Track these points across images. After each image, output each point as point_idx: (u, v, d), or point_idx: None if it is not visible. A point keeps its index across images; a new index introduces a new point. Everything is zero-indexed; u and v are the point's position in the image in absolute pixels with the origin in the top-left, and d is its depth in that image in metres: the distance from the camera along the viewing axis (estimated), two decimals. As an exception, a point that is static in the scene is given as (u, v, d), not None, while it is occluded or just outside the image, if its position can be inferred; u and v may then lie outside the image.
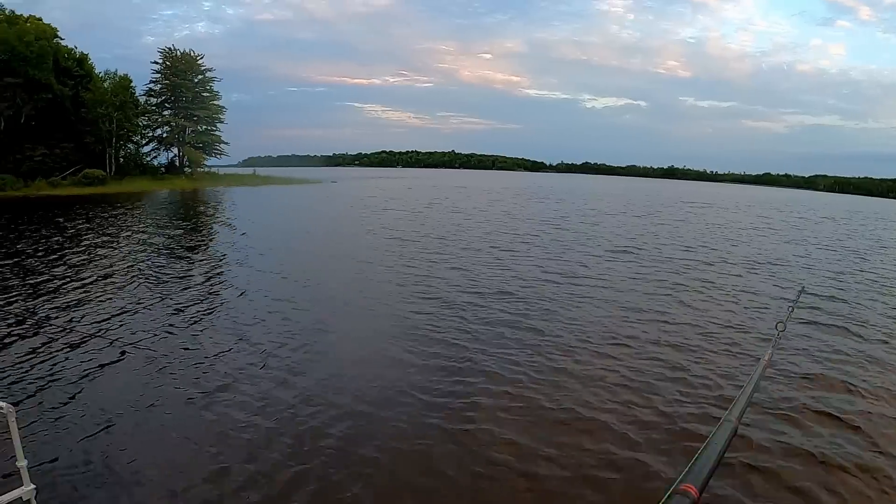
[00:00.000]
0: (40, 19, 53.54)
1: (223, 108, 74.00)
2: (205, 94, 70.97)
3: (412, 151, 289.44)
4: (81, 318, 11.92)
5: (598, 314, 13.00)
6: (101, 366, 9.05)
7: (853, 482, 6.02)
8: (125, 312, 12.31)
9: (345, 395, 8.17)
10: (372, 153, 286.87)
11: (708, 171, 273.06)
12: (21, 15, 52.02)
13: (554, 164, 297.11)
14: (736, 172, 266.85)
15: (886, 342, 11.41)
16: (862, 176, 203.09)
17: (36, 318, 11.88)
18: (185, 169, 69.48)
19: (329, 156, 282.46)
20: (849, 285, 17.60)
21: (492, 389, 8.43)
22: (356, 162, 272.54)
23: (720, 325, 12.31)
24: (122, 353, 9.67)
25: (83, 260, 18.13)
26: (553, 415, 7.63)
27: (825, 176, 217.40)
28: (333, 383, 8.65)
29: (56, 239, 21.81)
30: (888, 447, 6.74)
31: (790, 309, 3.38)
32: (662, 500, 1.10)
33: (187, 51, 69.63)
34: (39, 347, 9.80)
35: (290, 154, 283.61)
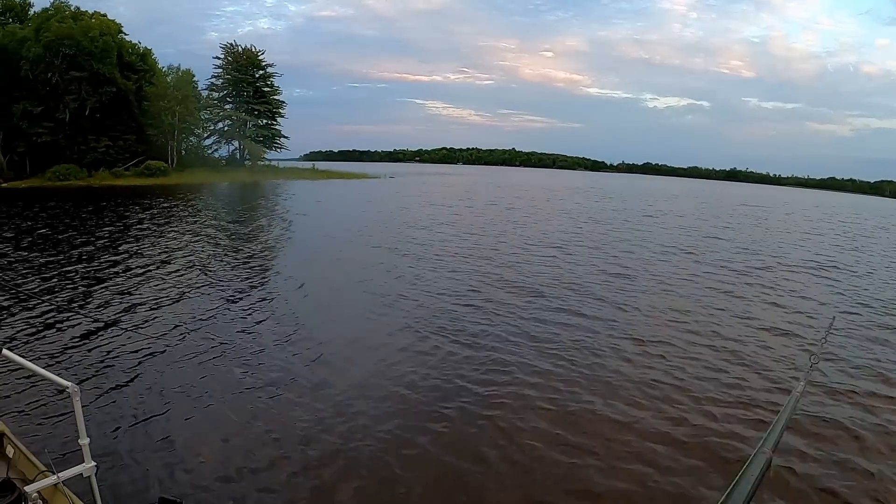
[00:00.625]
0: (105, 15, 54.67)
1: (283, 102, 74.39)
2: (265, 89, 71.44)
3: (472, 149, 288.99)
4: (143, 303, 11.99)
5: (659, 311, 12.87)
6: (163, 350, 9.17)
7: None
8: (185, 298, 12.49)
9: (395, 384, 8.25)
10: (432, 150, 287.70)
11: (771, 174, 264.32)
12: (86, 11, 53.16)
13: (615, 164, 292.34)
14: (799, 176, 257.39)
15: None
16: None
17: (100, 302, 11.99)
18: (246, 162, 70.10)
19: (390, 151, 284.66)
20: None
21: (536, 383, 8.42)
22: (416, 158, 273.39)
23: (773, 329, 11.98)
24: (183, 337, 9.83)
25: (146, 246, 18.57)
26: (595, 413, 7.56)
27: (891, 182, 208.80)
28: (384, 372, 8.69)
29: (118, 227, 22.36)
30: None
31: (822, 342, 3.35)
32: None
33: (249, 46, 70.36)
34: (104, 330, 9.93)
35: (350, 149, 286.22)
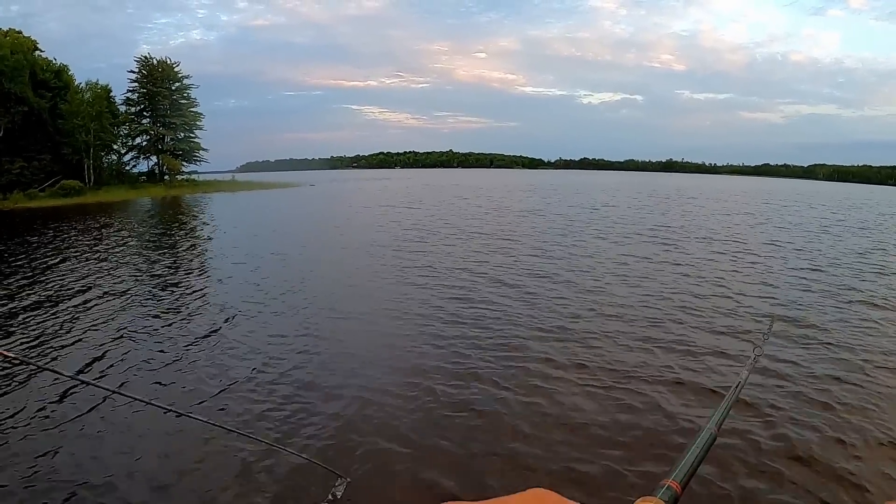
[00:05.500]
0: (20, 32, 54.51)
1: (201, 114, 74.52)
2: (182, 102, 71.39)
3: (410, 152, 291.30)
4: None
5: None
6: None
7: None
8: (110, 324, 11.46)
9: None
10: (370, 155, 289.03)
11: (706, 164, 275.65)
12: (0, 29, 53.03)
13: (552, 161, 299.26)
14: (735, 164, 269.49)
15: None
16: (861, 164, 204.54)
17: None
18: (165, 177, 70.00)
19: (327, 159, 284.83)
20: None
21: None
22: (354, 164, 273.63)
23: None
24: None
25: (45, 276, 16.48)
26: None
27: (824, 165, 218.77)
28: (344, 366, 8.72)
29: (23, 252, 20.82)
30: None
31: (764, 337, 3.02)
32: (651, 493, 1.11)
33: (164, 59, 70.27)
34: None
35: (288, 158, 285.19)
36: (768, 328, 3.36)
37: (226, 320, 11.43)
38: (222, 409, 7.27)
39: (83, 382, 7.66)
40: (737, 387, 2.00)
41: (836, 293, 13.75)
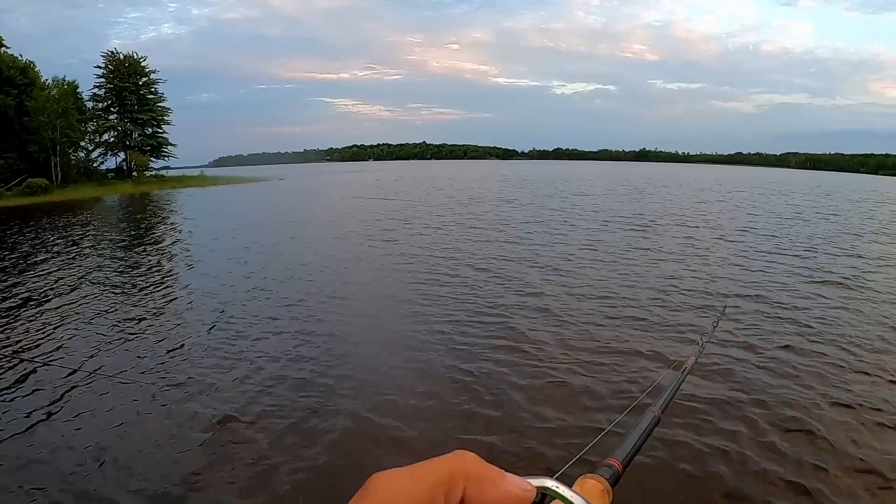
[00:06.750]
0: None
1: (168, 109, 73.93)
2: (150, 97, 70.89)
3: (383, 144, 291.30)
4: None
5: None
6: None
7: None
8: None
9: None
10: (343, 147, 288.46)
11: (680, 153, 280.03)
12: (-39, 27, 52.16)
13: (526, 152, 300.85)
14: (708, 153, 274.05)
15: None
16: (833, 152, 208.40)
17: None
18: (133, 173, 69.28)
19: (300, 152, 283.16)
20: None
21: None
22: (327, 157, 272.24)
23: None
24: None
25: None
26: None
27: (796, 153, 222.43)
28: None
29: None
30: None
31: (714, 324, 3.48)
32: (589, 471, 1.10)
33: (131, 53, 69.78)
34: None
35: (261, 152, 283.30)
36: (718, 316, 3.60)
37: (214, 320, 11.56)
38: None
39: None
40: (683, 371, 2.11)
41: (799, 275, 14.23)
